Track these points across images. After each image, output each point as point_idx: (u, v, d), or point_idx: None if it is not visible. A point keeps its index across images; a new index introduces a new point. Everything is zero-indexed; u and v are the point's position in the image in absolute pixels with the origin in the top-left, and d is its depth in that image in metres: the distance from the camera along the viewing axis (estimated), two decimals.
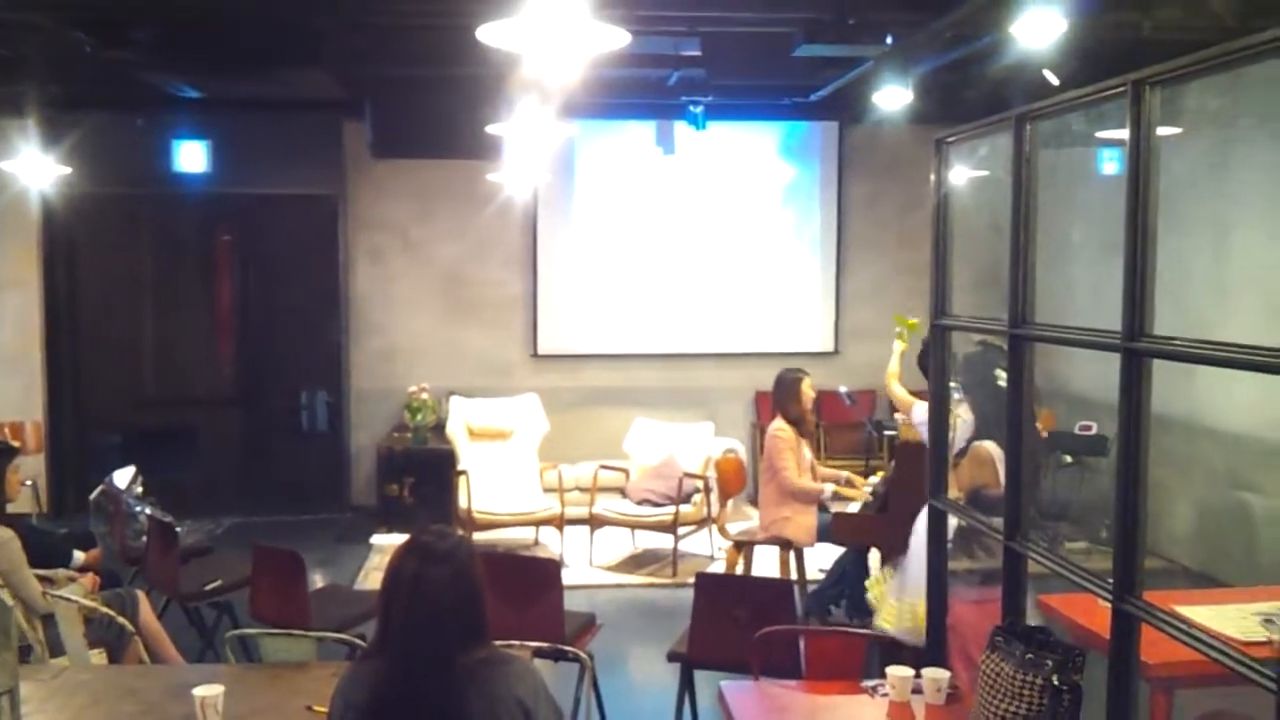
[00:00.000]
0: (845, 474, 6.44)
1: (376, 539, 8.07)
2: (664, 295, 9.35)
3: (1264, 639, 3.27)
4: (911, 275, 9.13)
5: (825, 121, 9.28)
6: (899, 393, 5.58)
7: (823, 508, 6.21)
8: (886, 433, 8.00)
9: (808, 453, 6.35)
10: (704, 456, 7.86)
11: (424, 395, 8.64)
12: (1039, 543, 3.23)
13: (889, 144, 8.92)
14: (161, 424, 9.18)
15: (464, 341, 9.28)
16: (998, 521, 3.35)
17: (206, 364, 9.37)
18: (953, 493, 3.97)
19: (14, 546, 4.27)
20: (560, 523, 7.58)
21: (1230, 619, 3.45)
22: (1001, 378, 3.98)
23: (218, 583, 5.45)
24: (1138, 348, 2.59)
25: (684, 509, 7.44)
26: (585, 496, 7.85)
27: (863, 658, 3.60)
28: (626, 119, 9.03)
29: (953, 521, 3.88)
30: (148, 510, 5.82)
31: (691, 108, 8.00)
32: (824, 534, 6.04)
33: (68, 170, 7.18)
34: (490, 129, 6.16)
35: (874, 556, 5.81)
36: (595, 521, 7.64)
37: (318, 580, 6.94)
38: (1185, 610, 2.92)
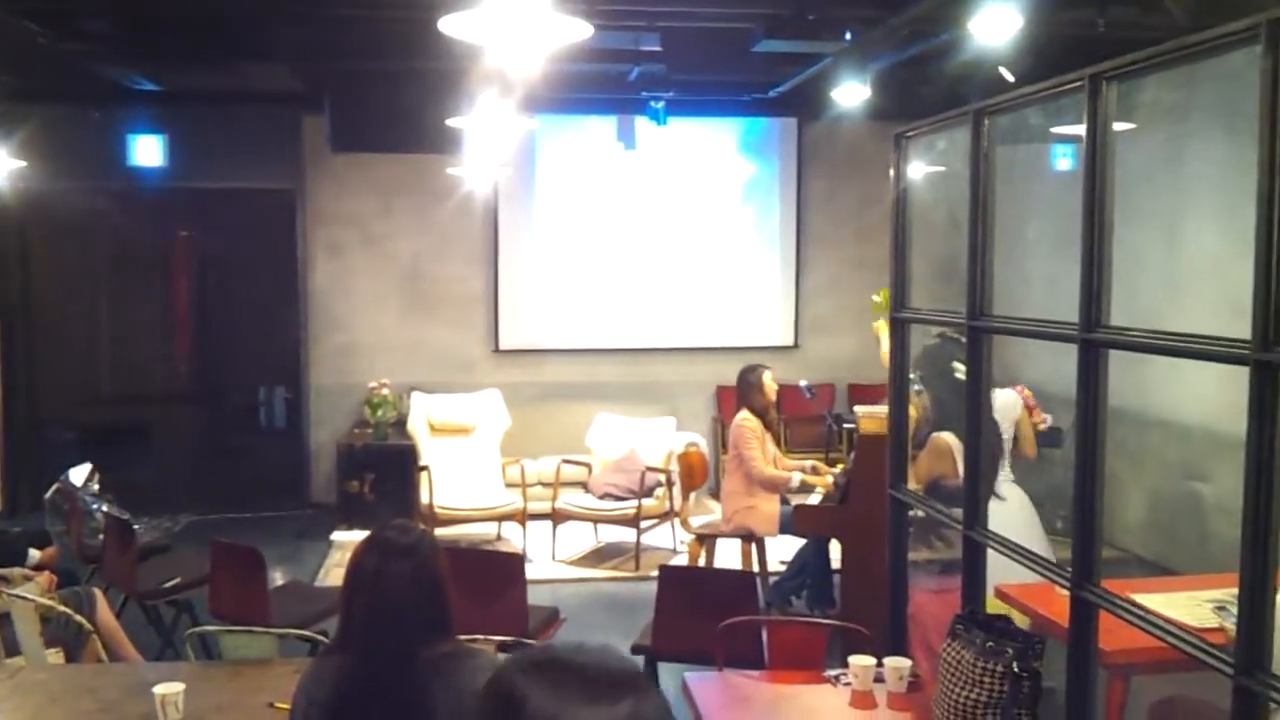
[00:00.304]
0: (811, 462, 6.49)
1: (337, 536, 8.02)
2: (625, 290, 9.36)
3: (1217, 625, 3.32)
4: (869, 270, 9.19)
5: (784, 118, 9.31)
6: None
7: (784, 500, 6.25)
8: (846, 426, 8.06)
9: (771, 445, 6.39)
10: (666, 450, 7.88)
11: (385, 391, 8.59)
12: (997, 532, 3.28)
13: (847, 140, 8.97)
14: (118, 421, 9.06)
15: (425, 337, 9.24)
16: (958, 512, 3.39)
17: (163, 360, 9.27)
18: (911, 484, 4.01)
19: None
20: (522, 518, 7.58)
21: (1184, 607, 3.51)
22: (960, 370, 4.04)
23: (176, 581, 5.40)
24: (1095, 339, 2.64)
25: (646, 503, 7.45)
26: (547, 491, 7.84)
27: (825, 647, 3.63)
28: (587, 114, 9.02)
29: None
30: (104, 508, 5.75)
31: (652, 103, 8.02)
32: (785, 526, 6.08)
33: (22, 164, 7.07)
34: (451, 122, 6.14)
35: (835, 548, 5.86)
36: (558, 516, 7.64)
37: (278, 578, 6.88)
38: (1140, 599, 2.97)
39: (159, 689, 2.94)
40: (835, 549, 5.83)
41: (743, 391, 6.39)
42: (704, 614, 3.89)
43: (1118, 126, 2.67)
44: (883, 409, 4.63)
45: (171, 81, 8.02)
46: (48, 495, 5.84)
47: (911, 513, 3.99)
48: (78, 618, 4.17)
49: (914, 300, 3.94)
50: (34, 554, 5.32)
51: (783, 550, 6.50)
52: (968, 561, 3.31)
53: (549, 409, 9.11)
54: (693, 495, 7.36)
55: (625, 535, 7.58)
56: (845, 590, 5.55)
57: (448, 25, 2.94)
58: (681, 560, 7.12)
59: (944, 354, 4.44)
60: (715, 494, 8.47)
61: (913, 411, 4.13)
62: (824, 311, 9.53)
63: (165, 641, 5.40)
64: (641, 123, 8.60)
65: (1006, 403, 4.77)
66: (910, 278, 3.94)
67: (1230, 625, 3.09)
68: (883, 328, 5.73)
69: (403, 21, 6.17)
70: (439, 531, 7.16)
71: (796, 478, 6.21)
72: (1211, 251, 6.64)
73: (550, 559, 7.50)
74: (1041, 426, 5.60)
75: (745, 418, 6.27)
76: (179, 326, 9.29)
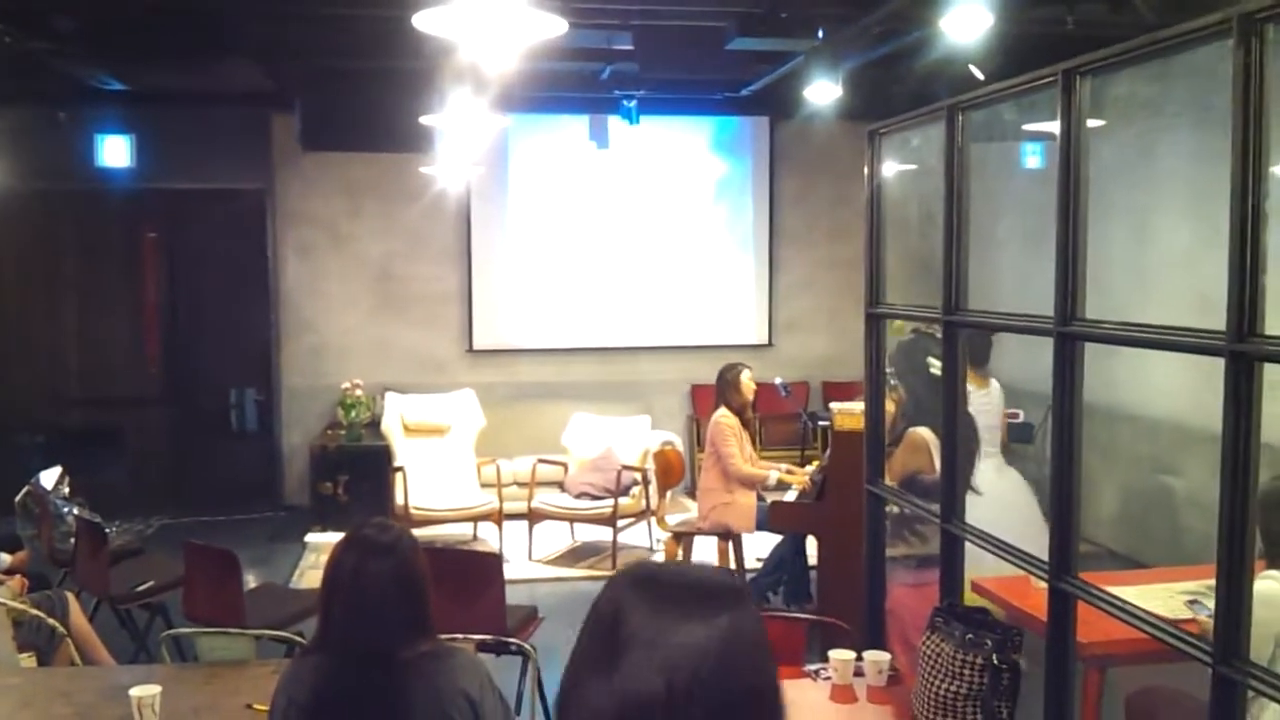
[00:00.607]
0: (785, 465, 6.51)
1: (311, 538, 7.97)
2: (599, 290, 9.35)
3: (1190, 618, 3.35)
4: (842, 269, 9.25)
5: (756, 117, 9.34)
6: None
7: (760, 496, 6.27)
8: (820, 424, 8.08)
9: (748, 444, 6.40)
10: (642, 449, 7.88)
11: (358, 392, 8.55)
12: (975, 526, 3.29)
13: (818, 139, 8.99)
14: (87, 424, 8.96)
15: (397, 338, 9.20)
16: (935, 506, 3.41)
17: (133, 362, 9.17)
18: (887, 480, 4.03)
19: None
20: (498, 517, 7.55)
21: (1157, 599, 3.54)
22: (935, 365, 4.06)
23: (149, 584, 5.34)
24: (1071, 331, 2.66)
25: (623, 501, 7.45)
26: (523, 491, 7.82)
27: (804, 642, 3.64)
28: (560, 113, 9.00)
29: None
30: (75, 511, 5.68)
31: (625, 102, 8.01)
32: (761, 522, 6.10)
33: None
34: (424, 120, 6.11)
35: (811, 544, 5.88)
36: (534, 516, 7.62)
37: (251, 581, 6.82)
38: (1114, 591, 2.99)
39: (135, 691, 2.92)
40: (812, 545, 5.85)
41: (721, 388, 6.41)
42: None
43: (1089, 123, 2.69)
44: (858, 406, 4.66)
45: (139, 81, 7.93)
46: (18, 499, 5.77)
47: (888, 508, 4.01)
48: (50, 621, 4.14)
49: (887, 297, 3.96)
50: (4, 558, 5.24)
51: (759, 547, 6.51)
52: (945, 554, 3.32)
53: (524, 409, 9.08)
54: (669, 493, 7.36)
55: (602, 534, 7.57)
56: (822, 586, 5.57)
57: (422, 21, 2.93)
58: (659, 558, 7.12)
59: (919, 350, 4.46)
60: (691, 492, 8.47)
61: (889, 407, 4.14)
62: (798, 310, 9.57)
63: (139, 645, 5.35)
64: (614, 122, 8.59)
65: (996, 391, 4.82)
66: (885, 274, 3.96)
67: (1204, 618, 3.12)
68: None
69: (373, 19, 6.13)
70: (414, 532, 7.11)
71: (774, 475, 6.24)
72: (1178, 246, 6.71)
73: (527, 559, 7.48)
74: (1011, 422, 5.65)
75: (724, 415, 6.29)
76: (148, 328, 9.19)
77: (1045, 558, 2.76)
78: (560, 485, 7.93)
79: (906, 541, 4.59)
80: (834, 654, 3.24)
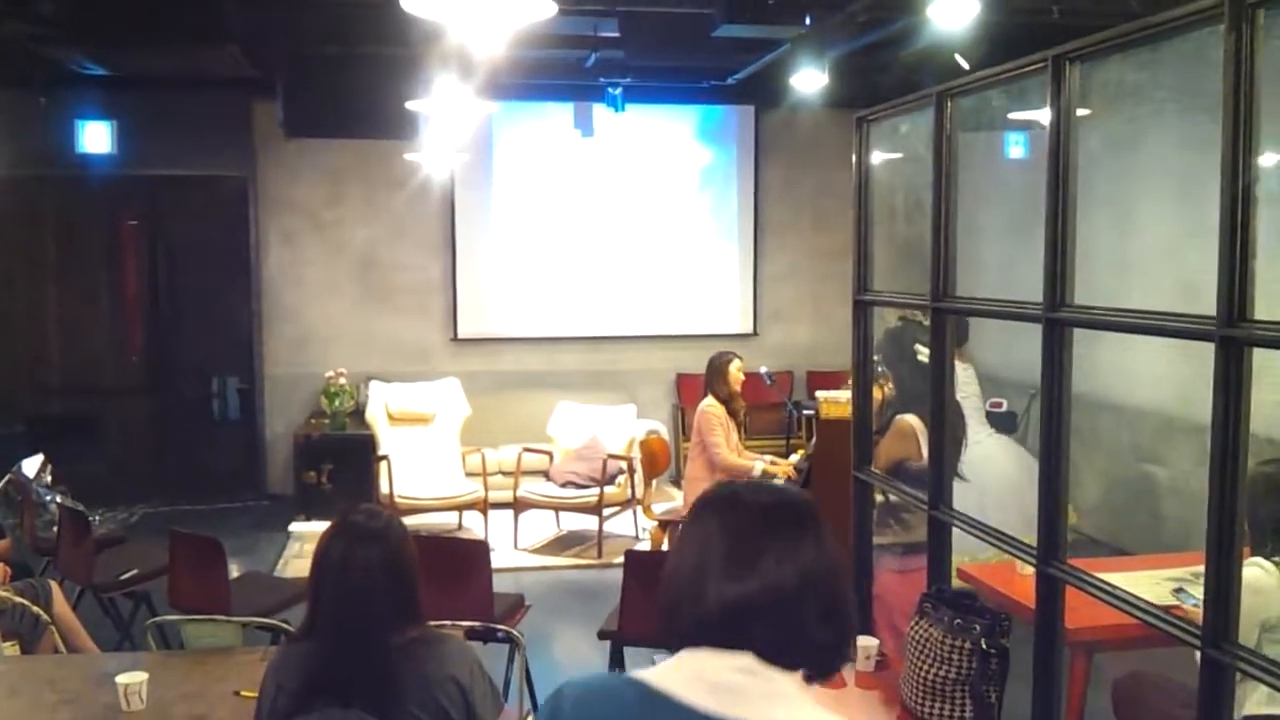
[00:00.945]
0: (769, 457, 6.52)
1: (295, 527, 7.94)
2: (584, 278, 9.33)
3: (1175, 605, 3.37)
4: (826, 258, 9.26)
5: (742, 105, 9.32)
6: None
7: None
8: (805, 412, 8.09)
9: (734, 434, 6.41)
10: (627, 438, 7.88)
11: (342, 380, 8.51)
12: (962, 513, 3.30)
13: (804, 128, 8.99)
14: (69, 412, 8.90)
15: (381, 326, 9.16)
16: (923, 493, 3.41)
17: (114, 350, 9.10)
18: (874, 467, 4.03)
19: None
20: (484, 506, 7.54)
21: (1143, 587, 3.55)
22: (922, 352, 4.06)
23: (133, 572, 5.31)
24: (1060, 317, 2.66)
25: (608, 490, 7.45)
26: (509, 480, 7.81)
27: None
28: (545, 101, 8.97)
29: None
30: (58, 499, 5.65)
31: (610, 89, 7.98)
32: None
33: None
34: (409, 105, 6.07)
35: None
36: (519, 504, 7.61)
37: (235, 569, 6.79)
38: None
39: (122, 678, 2.90)
40: None
41: (709, 376, 6.42)
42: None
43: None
44: (844, 394, 4.66)
45: (120, 65, 7.85)
46: None
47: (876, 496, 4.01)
48: (35, 609, 4.11)
49: (874, 284, 3.96)
50: None
51: None
52: (933, 540, 3.33)
53: (509, 397, 9.06)
54: (654, 482, 7.36)
55: (587, 523, 7.57)
56: None
57: (410, 4, 2.91)
58: (644, 547, 7.13)
59: (906, 337, 4.45)
60: (677, 481, 8.48)
61: (877, 394, 4.15)
62: (782, 299, 9.58)
63: (123, 634, 5.32)
64: (599, 110, 8.57)
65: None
66: (873, 261, 3.96)
67: (1189, 605, 3.14)
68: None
69: (356, 4, 6.10)
70: None
71: (759, 466, 6.25)
72: (1163, 234, 6.74)
73: (513, 547, 7.47)
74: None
75: (711, 404, 6.29)
76: (130, 316, 9.13)
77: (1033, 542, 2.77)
78: (545, 474, 7.92)
79: (892, 529, 4.60)
80: None
